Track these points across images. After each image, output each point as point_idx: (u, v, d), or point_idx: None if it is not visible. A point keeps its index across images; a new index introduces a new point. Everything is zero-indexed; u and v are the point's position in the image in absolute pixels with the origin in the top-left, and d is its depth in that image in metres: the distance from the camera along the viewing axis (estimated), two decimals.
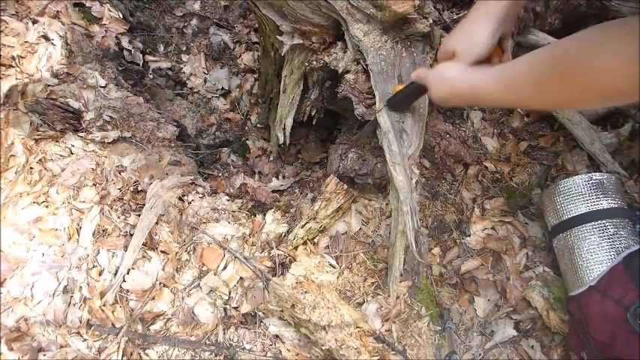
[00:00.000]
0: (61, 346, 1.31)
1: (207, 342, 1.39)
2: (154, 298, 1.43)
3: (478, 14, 0.85)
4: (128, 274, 1.43)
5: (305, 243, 1.55)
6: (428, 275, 1.53)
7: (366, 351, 1.30)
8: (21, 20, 1.70)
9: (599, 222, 1.32)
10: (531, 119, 1.76)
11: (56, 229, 1.45)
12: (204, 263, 1.52)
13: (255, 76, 2.30)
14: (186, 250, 1.53)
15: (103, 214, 1.50)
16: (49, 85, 1.61)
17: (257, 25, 2.00)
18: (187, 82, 2.29)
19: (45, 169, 1.52)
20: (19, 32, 1.68)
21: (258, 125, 2.23)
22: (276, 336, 1.41)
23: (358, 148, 1.60)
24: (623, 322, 1.13)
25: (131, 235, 1.48)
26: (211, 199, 1.68)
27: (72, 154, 1.57)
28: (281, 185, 1.96)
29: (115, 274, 1.43)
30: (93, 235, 1.47)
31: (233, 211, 1.67)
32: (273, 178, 2.03)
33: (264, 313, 1.44)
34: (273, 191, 1.90)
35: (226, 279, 1.49)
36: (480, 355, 1.44)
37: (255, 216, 1.66)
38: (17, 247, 1.40)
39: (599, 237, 1.31)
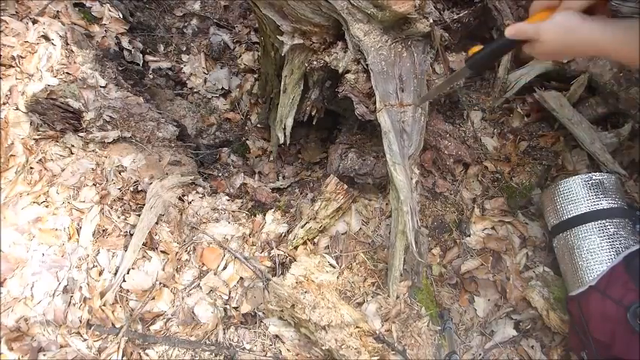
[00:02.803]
0: (61, 346, 1.31)
1: (207, 342, 1.39)
2: (154, 298, 1.43)
3: None
4: (128, 274, 1.43)
5: (305, 243, 1.55)
6: (428, 275, 1.53)
7: (366, 351, 1.30)
8: (21, 20, 1.70)
9: (599, 222, 1.32)
10: (531, 119, 1.76)
11: (56, 229, 1.45)
12: (204, 263, 1.52)
13: (255, 76, 2.30)
14: (186, 250, 1.53)
15: (103, 214, 1.50)
16: (49, 85, 1.61)
17: (257, 25, 2.00)
18: (187, 82, 2.29)
19: (45, 169, 1.52)
20: (19, 32, 1.67)
21: (258, 125, 2.23)
22: (276, 336, 1.41)
23: (358, 147, 1.60)
24: (623, 322, 1.13)
25: (131, 235, 1.48)
26: (211, 199, 1.68)
27: (72, 154, 1.57)
28: (281, 185, 1.96)
29: (115, 274, 1.43)
30: (93, 235, 1.47)
31: (233, 211, 1.67)
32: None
33: (264, 313, 1.44)
34: (273, 191, 1.90)
35: (226, 279, 1.49)
36: (480, 355, 1.44)
37: (255, 216, 1.66)
38: (17, 247, 1.40)
39: (599, 237, 1.31)
